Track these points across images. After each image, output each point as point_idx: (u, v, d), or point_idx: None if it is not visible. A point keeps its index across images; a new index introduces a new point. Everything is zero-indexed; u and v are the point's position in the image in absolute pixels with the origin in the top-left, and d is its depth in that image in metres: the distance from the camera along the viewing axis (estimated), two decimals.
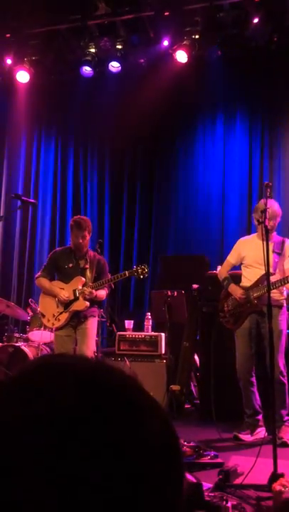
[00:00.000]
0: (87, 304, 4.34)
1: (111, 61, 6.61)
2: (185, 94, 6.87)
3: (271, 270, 3.98)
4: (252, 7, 5.80)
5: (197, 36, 6.26)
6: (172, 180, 7.05)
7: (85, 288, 4.32)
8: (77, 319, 4.42)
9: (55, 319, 4.44)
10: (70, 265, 4.43)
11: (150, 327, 5.50)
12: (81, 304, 4.35)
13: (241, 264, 4.29)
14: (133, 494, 0.48)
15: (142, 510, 0.49)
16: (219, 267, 5.27)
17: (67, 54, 6.75)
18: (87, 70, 6.71)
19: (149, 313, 5.63)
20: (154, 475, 0.50)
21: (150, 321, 5.52)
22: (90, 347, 4.43)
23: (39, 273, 4.64)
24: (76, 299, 4.36)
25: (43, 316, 4.58)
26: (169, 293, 4.96)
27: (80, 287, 4.35)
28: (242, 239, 4.43)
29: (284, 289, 4.12)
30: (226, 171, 6.80)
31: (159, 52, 6.52)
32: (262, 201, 4.14)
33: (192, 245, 6.77)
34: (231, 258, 4.34)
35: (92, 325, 4.45)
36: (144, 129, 7.20)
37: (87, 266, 4.42)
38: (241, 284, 4.21)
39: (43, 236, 7.45)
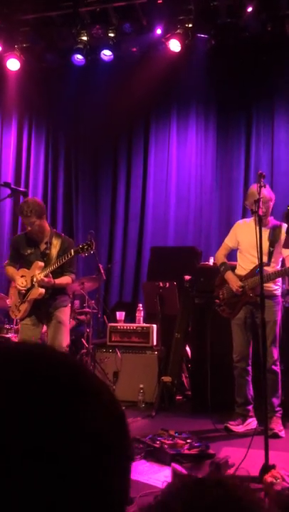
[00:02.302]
0: (42, 291, 3.95)
1: (103, 49, 6.52)
2: (178, 82, 6.81)
3: (265, 259, 3.96)
4: None
5: (190, 25, 6.19)
6: (166, 170, 7.01)
7: (39, 273, 3.96)
8: (43, 311, 4.06)
9: (17, 310, 4.11)
10: (29, 251, 4.10)
11: (142, 318, 5.48)
12: (35, 292, 3.97)
13: (237, 248, 4.25)
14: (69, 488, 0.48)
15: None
16: (212, 259, 5.26)
17: (59, 42, 6.64)
18: (78, 58, 6.62)
19: (141, 305, 5.61)
20: (101, 465, 0.50)
21: (142, 312, 5.50)
22: (63, 342, 4.06)
23: (7, 261, 4.33)
24: (33, 286, 4.01)
25: (10, 308, 4.29)
26: (161, 284, 4.94)
27: (37, 272, 3.98)
28: (239, 222, 4.35)
29: (279, 279, 4.09)
30: (218, 160, 6.78)
31: (151, 41, 6.44)
32: (253, 187, 4.10)
33: (185, 236, 6.75)
34: (229, 241, 4.28)
35: (63, 317, 4.08)
36: (137, 118, 7.15)
37: (48, 251, 4.05)
38: (236, 272, 4.16)
39: None
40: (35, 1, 6.29)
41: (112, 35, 6.43)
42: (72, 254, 3.98)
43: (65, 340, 4.11)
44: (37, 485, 0.46)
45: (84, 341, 5.51)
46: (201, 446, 3.38)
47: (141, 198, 7.07)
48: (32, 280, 4.02)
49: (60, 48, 6.69)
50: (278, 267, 4.06)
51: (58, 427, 0.48)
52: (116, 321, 5.49)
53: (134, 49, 6.64)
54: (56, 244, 4.08)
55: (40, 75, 7.14)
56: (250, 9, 5.75)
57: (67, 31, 6.53)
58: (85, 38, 6.52)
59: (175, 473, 2.78)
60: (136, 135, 7.17)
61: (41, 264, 4.01)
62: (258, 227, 3.22)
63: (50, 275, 3.97)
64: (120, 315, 5.52)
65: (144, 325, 5.29)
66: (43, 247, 4.11)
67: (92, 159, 7.36)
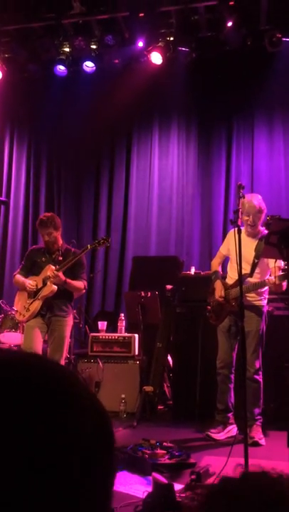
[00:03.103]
0: (55, 288, 4.17)
1: (85, 61, 6.57)
2: (160, 94, 6.90)
3: (249, 271, 4.00)
4: (226, 11, 5.86)
5: (172, 38, 6.29)
6: (148, 181, 7.06)
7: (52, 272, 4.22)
8: (49, 312, 4.25)
9: (26, 310, 4.29)
10: (44, 259, 4.39)
11: (124, 328, 5.48)
12: (48, 289, 4.19)
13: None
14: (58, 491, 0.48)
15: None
16: (193, 268, 5.31)
17: (41, 52, 6.67)
18: (61, 69, 6.66)
19: (123, 314, 5.61)
20: (86, 471, 0.50)
21: (124, 321, 5.50)
22: (63, 355, 4.30)
23: (17, 271, 4.57)
24: (45, 285, 4.24)
25: (17, 312, 4.49)
26: (143, 294, 4.95)
27: (50, 273, 4.23)
28: (232, 230, 4.37)
29: (265, 290, 4.11)
30: (199, 171, 6.86)
31: (134, 53, 6.52)
32: (246, 198, 4.04)
33: (166, 246, 6.79)
34: (223, 249, 4.33)
35: (66, 332, 4.27)
36: (119, 129, 7.20)
37: (60, 258, 4.34)
38: (226, 281, 4.23)
39: (15, 236, 7.34)
40: (18, 11, 6.32)
41: (94, 46, 6.50)
42: (89, 248, 4.31)
43: (64, 354, 4.35)
44: (21, 493, 0.46)
45: None
46: (182, 455, 3.38)
47: (123, 208, 7.11)
48: (43, 281, 4.23)
49: (43, 58, 6.72)
50: (265, 278, 4.07)
51: (43, 436, 0.48)
52: (98, 331, 5.48)
53: (117, 61, 6.71)
54: (67, 255, 4.36)
55: (23, 86, 7.15)
56: (230, 24, 5.87)
57: (49, 42, 6.57)
58: (67, 50, 6.58)
59: (156, 483, 2.77)
60: (118, 146, 7.22)
61: (53, 267, 4.24)
62: (237, 238, 3.25)
63: (61, 272, 4.17)
64: (102, 325, 5.51)
65: (126, 334, 5.29)
66: (56, 255, 4.40)
67: (75, 169, 7.37)
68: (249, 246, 3.93)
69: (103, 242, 4.37)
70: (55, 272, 4.15)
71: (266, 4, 5.88)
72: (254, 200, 4.00)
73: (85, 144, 7.19)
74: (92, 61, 6.57)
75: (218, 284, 4.18)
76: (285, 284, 3.78)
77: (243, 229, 4.13)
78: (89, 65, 6.60)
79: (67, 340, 4.33)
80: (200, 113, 6.93)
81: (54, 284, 4.17)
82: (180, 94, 6.85)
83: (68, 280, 4.20)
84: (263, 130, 6.66)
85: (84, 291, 4.49)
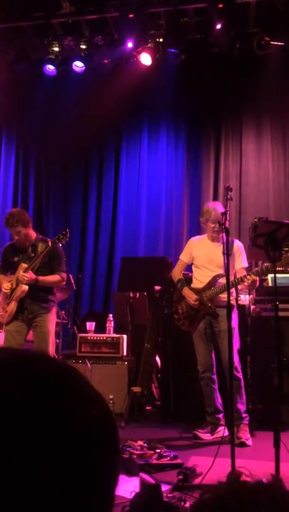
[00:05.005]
0: (26, 288, 4.11)
1: (75, 60, 6.57)
2: (149, 95, 6.91)
3: (222, 272, 4.08)
4: (215, 13, 5.89)
5: (161, 39, 6.31)
6: (136, 181, 7.07)
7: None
8: (27, 312, 4.21)
9: (5, 311, 4.29)
10: (16, 259, 4.32)
11: (112, 329, 5.48)
12: (19, 289, 4.15)
13: (192, 264, 4.36)
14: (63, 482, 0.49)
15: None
16: None
17: (30, 52, 6.65)
18: (50, 68, 6.65)
19: (111, 315, 5.61)
20: (88, 464, 0.52)
21: (112, 322, 5.51)
22: (48, 351, 4.20)
23: None
24: (18, 285, 4.19)
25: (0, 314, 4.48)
26: (131, 294, 4.96)
27: (21, 273, 4.17)
28: (193, 238, 4.51)
29: (233, 289, 4.22)
30: (188, 172, 6.89)
31: (123, 54, 6.52)
32: (208, 205, 4.26)
33: (155, 247, 6.82)
34: (184, 257, 4.42)
35: (48, 326, 4.23)
36: (108, 130, 7.20)
37: (33, 254, 4.26)
38: (192, 286, 4.29)
39: (3, 238, 7.30)
40: (7, 10, 6.29)
41: (83, 46, 6.49)
42: (50, 244, 4.17)
43: (50, 349, 4.26)
44: (32, 480, 0.48)
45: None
46: (170, 455, 3.40)
47: (112, 208, 7.11)
48: (17, 281, 4.18)
49: (32, 58, 6.70)
50: (231, 279, 4.20)
51: (52, 425, 0.50)
52: (86, 332, 5.48)
53: (106, 61, 6.71)
54: (41, 248, 4.26)
55: (11, 85, 7.12)
56: (218, 26, 5.90)
57: (38, 42, 6.55)
58: (56, 49, 6.56)
59: (143, 484, 2.78)
60: (107, 146, 7.22)
61: (25, 265, 4.19)
62: (222, 240, 3.29)
63: (30, 271, 4.11)
64: (90, 325, 5.51)
65: (114, 335, 5.30)
66: (29, 252, 4.31)
67: (63, 170, 7.36)
68: (216, 249, 4.11)
69: (63, 238, 4.23)
70: (22, 273, 4.10)
71: (254, 8, 5.92)
72: (218, 207, 4.13)
73: (74, 143, 7.18)
74: (81, 61, 6.56)
75: (186, 291, 4.26)
76: (258, 279, 3.89)
77: (205, 235, 4.27)
78: (78, 65, 6.60)
79: (51, 336, 4.28)
80: (189, 114, 6.96)
81: (25, 284, 4.12)
82: (169, 95, 6.87)
83: (40, 278, 4.13)
84: (251, 132, 6.71)
85: (63, 282, 4.39)
